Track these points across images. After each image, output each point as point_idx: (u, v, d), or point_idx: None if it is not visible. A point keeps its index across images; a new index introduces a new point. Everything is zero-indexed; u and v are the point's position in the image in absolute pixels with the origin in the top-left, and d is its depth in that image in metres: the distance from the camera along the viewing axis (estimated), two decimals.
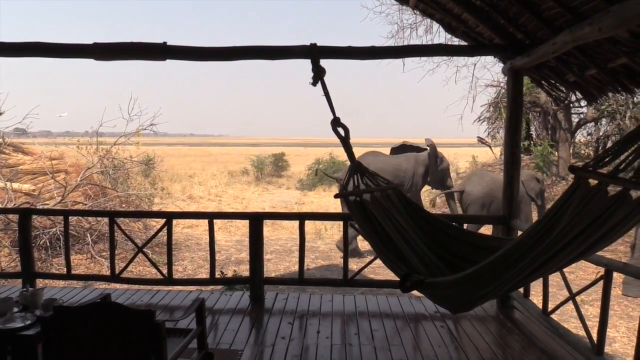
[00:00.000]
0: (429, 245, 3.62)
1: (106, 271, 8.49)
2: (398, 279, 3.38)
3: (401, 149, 12.01)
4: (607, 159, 2.30)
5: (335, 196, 4.04)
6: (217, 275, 7.26)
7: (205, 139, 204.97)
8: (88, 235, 9.73)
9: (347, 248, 5.37)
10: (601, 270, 3.56)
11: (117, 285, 5.89)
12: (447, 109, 16.12)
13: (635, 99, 12.72)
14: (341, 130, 4.15)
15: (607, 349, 5.89)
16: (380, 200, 3.90)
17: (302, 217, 5.39)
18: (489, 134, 15.96)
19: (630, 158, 2.31)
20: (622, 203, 2.27)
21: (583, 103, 13.30)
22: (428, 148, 11.35)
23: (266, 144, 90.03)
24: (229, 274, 8.33)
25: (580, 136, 15.65)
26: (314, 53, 4.32)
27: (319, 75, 4.21)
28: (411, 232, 3.67)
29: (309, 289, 7.73)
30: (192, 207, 17.31)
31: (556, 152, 14.44)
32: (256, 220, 5.29)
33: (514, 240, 2.58)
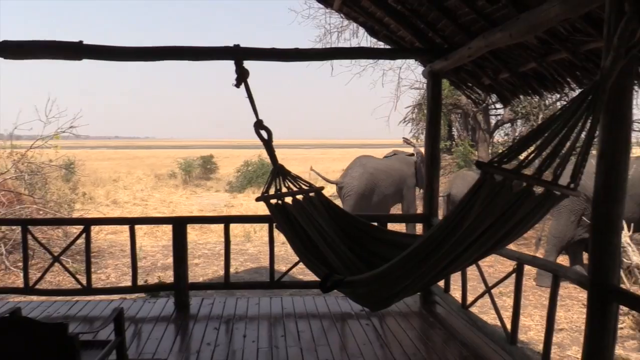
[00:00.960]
0: (349, 246, 3.70)
1: (21, 283, 7.97)
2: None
3: (393, 155, 12.54)
4: (511, 156, 2.40)
5: (257, 199, 4.02)
6: (141, 282, 7.01)
7: (131, 141, 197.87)
8: (2, 245, 9.10)
9: (272, 251, 5.33)
10: (515, 264, 3.75)
11: (34, 297, 5.55)
12: (374, 111, 16.45)
13: (546, 101, 13.54)
14: (264, 133, 4.13)
15: (522, 337, 6.25)
16: (302, 203, 3.94)
17: (227, 221, 5.31)
18: (414, 134, 16.45)
19: (532, 155, 2.43)
20: (526, 199, 2.38)
21: (500, 105, 14.03)
22: (415, 154, 12.11)
23: (195, 146, 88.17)
24: (155, 280, 8.07)
25: (498, 136, 16.46)
26: (237, 54, 4.27)
27: (242, 77, 4.17)
28: (332, 234, 3.73)
29: (237, 293, 7.63)
30: (117, 212, 16.63)
31: (476, 152, 15.12)
32: (179, 225, 5.15)
33: (425, 235, 2.66)
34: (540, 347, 5.87)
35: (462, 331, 4.43)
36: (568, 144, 2.35)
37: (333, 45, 14.37)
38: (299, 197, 3.99)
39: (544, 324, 6.63)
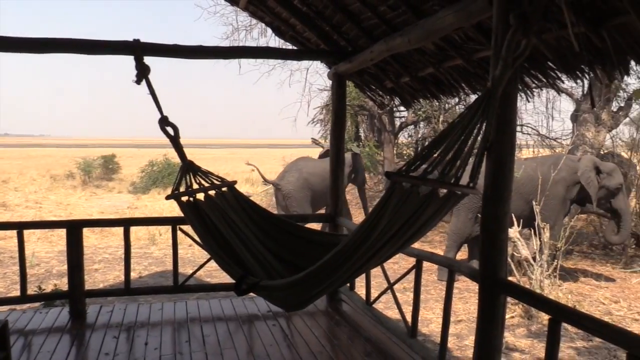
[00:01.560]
0: (266, 245, 3.64)
1: None
2: (234, 281, 3.33)
3: (327, 154, 12.52)
4: (417, 163, 2.50)
5: (167, 198, 3.88)
6: (34, 291, 6.52)
7: (23, 139, 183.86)
8: None
9: (176, 253, 5.16)
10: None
11: None
12: (281, 111, 16.51)
13: (446, 105, 14.26)
14: (170, 130, 4.00)
15: (424, 329, 6.53)
16: (214, 199, 3.83)
17: (127, 223, 5.07)
18: (322, 135, 16.67)
19: (436, 162, 2.54)
20: (432, 201, 2.50)
21: (403, 107, 14.58)
22: (351, 151, 12.25)
23: (95, 144, 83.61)
24: (49, 288, 7.54)
25: (403, 137, 17.10)
26: (137, 50, 4.09)
27: (143, 73, 4.00)
28: (248, 232, 3.65)
29: (140, 299, 7.32)
30: (6, 216, 15.38)
31: (382, 153, 15.62)
32: (74, 228, 4.84)
33: (344, 240, 2.70)
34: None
35: (367, 327, 4.55)
36: (466, 148, 2.49)
37: (241, 44, 14.22)
38: (211, 192, 3.88)
39: (442, 317, 7.01)
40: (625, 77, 10.71)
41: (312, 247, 3.54)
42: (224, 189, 3.95)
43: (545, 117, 18.79)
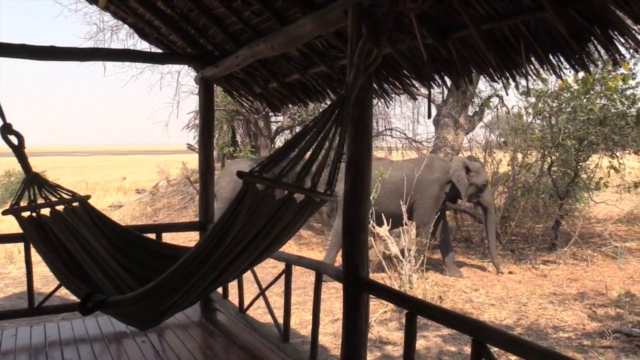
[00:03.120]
0: (119, 260, 3.45)
1: None
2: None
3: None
4: (271, 165, 2.50)
5: (4, 212, 3.53)
6: None
7: None
8: None
9: (30, 272, 4.71)
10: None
11: None
12: (152, 116, 15.84)
13: (321, 109, 14.64)
14: (13, 139, 3.66)
15: (303, 332, 6.61)
16: (62, 215, 3.56)
17: None
18: (197, 140, 16.31)
19: (290, 164, 2.56)
20: (289, 206, 2.50)
21: (281, 112, 14.72)
22: None
23: None
24: None
25: (279, 142, 17.24)
26: None
27: None
28: (99, 248, 3.45)
29: None
30: None
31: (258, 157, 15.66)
32: None
33: (193, 247, 2.61)
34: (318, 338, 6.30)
35: (241, 335, 4.50)
36: (322, 152, 2.54)
37: (107, 45, 13.47)
38: (59, 208, 3.60)
39: (324, 317, 7.16)
40: (480, 84, 11.76)
41: (168, 262, 3.41)
42: (74, 203, 3.70)
43: (412, 121, 20.03)
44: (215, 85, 5.54)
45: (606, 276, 8.51)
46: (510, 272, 8.85)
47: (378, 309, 6.90)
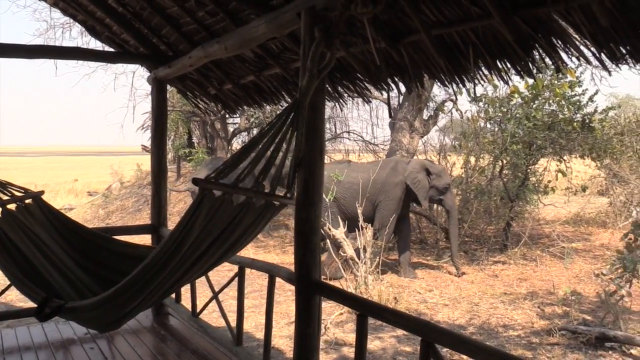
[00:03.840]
0: (77, 261, 3.33)
1: None
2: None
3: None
4: (227, 171, 2.47)
5: None
6: None
7: None
8: None
9: None
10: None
11: None
12: (106, 117, 15.46)
13: (279, 111, 14.60)
14: None
15: (259, 335, 6.56)
16: (14, 214, 3.39)
17: None
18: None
19: (247, 169, 2.54)
20: (248, 210, 2.49)
21: (238, 114, 14.60)
22: None
23: None
24: None
25: (236, 144, 17.11)
26: None
27: None
28: (56, 249, 3.31)
29: None
30: None
31: None
32: None
33: (154, 252, 2.56)
34: (273, 342, 6.27)
35: (194, 340, 4.44)
36: (280, 156, 2.53)
37: (57, 43, 13.04)
38: (11, 206, 3.43)
39: (279, 320, 7.13)
40: (435, 89, 11.99)
41: (127, 260, 3.34)
42: (27, 201, 3.53)
43: (369, 124, 20.27)
44: (170, 86, 5.46)
45: (554, 276, 8.81)
46: (463, 273, 9.04)
47: (334, 311, 6.93)
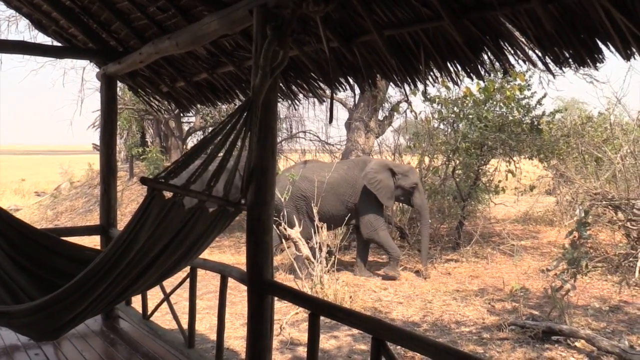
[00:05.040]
0: (17, 262, 3.16)
1: None
2: None
3: None
4: (177, 171, 2.40)
5: None
6: None
7: None
8: None
9: None
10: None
11: None
12: (55, 113, 14.95)
13: (231, 110, 14.46)
14: None
15: (213, 336, 6.45)
16: None
17: None
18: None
19: (199, 170, 2.47)
20: (201, 215, 2.40)
21: (192, 112, 14.37)
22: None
23: None
24: None
25: (191, 143, 16.85)
26: None
27: None
28: None
29: None
30: None
31: (169, 159, 15.17)
32: None
33: (100, 255, 2.45)
34: (228, 343, 6.20)
35: (145, 343, 4.33)
36: (232, 158, 2.48)
37: (2, 37, 12.53)
38: None
39: (234, 320, 7.06)
40: (390, 90, 12.14)
41: (72, 263, 3.21)
42: None
43: (325, 124, 20.32)
44: (121, 83, 5.32)
45: (504, 273, 9.07)
46: (417, 271, 9.18)
47: (290, 311, 6.91)
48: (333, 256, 7.86)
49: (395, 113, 12.84)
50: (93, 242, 10.28)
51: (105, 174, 4.80)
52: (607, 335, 5.85)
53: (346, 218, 8.78)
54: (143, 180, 2.31)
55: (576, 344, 5.72)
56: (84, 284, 2.41)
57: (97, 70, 5.16)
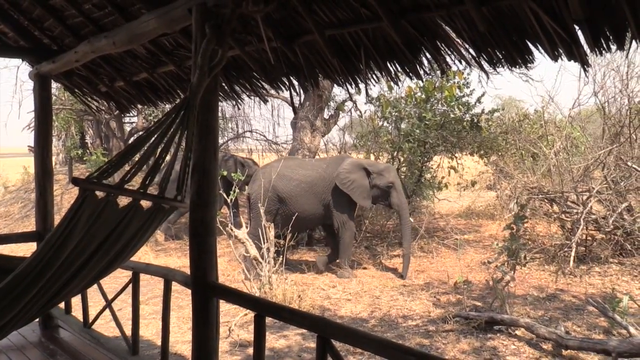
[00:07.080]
0: None
1: None
2: None
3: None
4: (111, 170, 2.35)
5: None
6: None
7: None
8: None
9: None
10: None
11: None
12: None
13: (164, 109, 14.19)
14: None
15: (159, 341, 6.34)
16: None
17: None
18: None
19: (134, 169, 2.42)
20: (135, 213, 2.36)
21: (132, 113, 13.99)
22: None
23: None
24: None
25: None
26: None
27: None
28: None
29: None
30: None
31: None
32: None
33: (28, 259, 2.35)
34: (175, 348, 6.08)
35: (87, 352, 4.18)
36: (167, 156, 2.43)
37: None
38: None
39: (182, 324, 6.93)
40: (335, 89, 12.24)
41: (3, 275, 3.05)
42: None
43: (272, 123, 20.30)
44: (56, 82, 5.11)
45: (448, 266, 9.32)
46: (364, 268, 9.29)
47: (239, 312, 6.85)
48: (281, 256, 7.85)
49: (340, 112, 12.95)
50: (31, 249, 9.86)
51: (41, 178, 4.60)
52: (545, 323, 6.13)
53: (324, 217, 8.76)
54: (75, 181, 2.24)
55: (517, 332, 5.96)
56: (13, 290, 2.29)
57: (31, 69, 4.94)
